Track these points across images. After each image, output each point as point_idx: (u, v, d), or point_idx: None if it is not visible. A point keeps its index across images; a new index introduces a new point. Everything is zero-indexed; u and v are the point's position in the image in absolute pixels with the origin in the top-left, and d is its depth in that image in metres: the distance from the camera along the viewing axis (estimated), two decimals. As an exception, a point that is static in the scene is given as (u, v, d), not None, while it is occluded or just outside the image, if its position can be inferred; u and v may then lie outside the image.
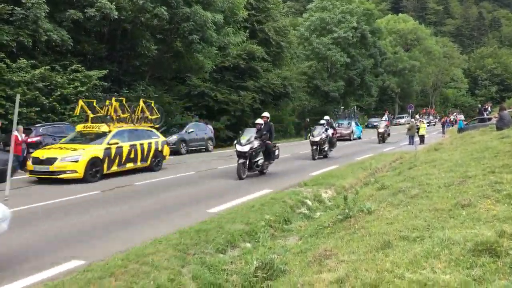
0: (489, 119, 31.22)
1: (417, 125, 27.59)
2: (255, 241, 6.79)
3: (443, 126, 39.65)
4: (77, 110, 14.46)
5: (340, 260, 4.60)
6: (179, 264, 5.41)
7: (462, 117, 40.57)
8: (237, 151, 12.55)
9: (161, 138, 15.10)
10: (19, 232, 6.88)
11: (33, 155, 12.24)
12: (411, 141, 27.00)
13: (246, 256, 5.87)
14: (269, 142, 13.20)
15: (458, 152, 10.51)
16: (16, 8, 16.39)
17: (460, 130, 31.18)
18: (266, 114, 13.76)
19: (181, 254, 5.70)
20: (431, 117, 61.58)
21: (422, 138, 27.17)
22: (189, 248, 5.94)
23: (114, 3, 18.40)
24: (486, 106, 42.15)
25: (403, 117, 61.40)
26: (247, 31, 29.10)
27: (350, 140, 30.96)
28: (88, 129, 13.52)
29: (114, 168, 12.76)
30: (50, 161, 11.60)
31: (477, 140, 11.96)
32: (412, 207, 5.99)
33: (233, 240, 6.50)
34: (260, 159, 12.98)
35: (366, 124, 54.05)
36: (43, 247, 6.15)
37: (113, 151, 12.60)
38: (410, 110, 42.84)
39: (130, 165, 13.35)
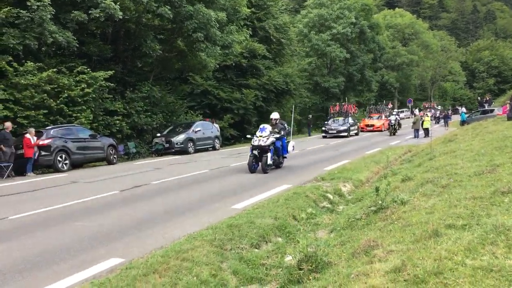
0: (491, 110, 31.31)
1: (422, 119, 27.69)
2: (286, 235, 6.76)
3: (445, 119, 39.75)
4: None
5: (388, 250, 4.55)
6: (218, 259, 5.38)
7: (464, 109, 40.64)
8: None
9: None
10: (45, 233, 6.84)
11: None
12: (416, 135, 27.12)
13: (284, 249, 5.83)
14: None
15: (477, 142, 10.48)
16: (21, 11, 16.23)
17: (463, 122, 31.28)
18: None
19: (218, 249, 5.67)
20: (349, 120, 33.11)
21: (426, 131, 27.21)
22: (225, 243, 5.91)
23: (118, 3, 18.29)
24: (487, 98, 42.27)
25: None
26: (249, 29, 29.05)
27: None
28: None
29: None
30: None
31: (492, 130, 11.94)
32: (448, 196, 5.95)
33: (266, 234, 6.47)
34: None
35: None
36: (76, 246, 6.08)
37: None
38: (328, 117, 33.44)
39: None
